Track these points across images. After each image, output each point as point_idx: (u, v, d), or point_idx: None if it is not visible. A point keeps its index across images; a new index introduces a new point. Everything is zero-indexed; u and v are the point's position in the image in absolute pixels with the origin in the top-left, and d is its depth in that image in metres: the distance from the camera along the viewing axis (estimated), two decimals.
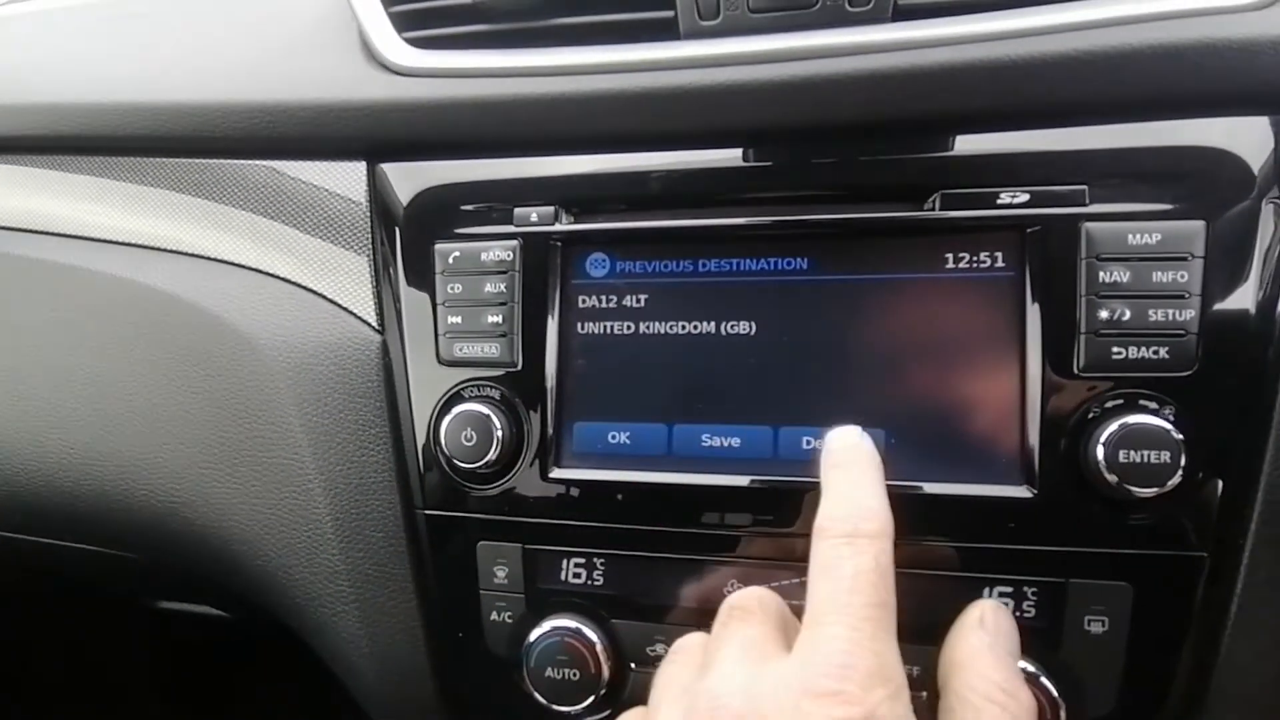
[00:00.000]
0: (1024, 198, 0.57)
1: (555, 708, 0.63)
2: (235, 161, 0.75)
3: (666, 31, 0.62)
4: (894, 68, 0.58)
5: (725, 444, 0.61)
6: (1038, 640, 0.56)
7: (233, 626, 1.26)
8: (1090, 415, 0.55)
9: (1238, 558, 0.55)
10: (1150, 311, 0.54)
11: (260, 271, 0.73)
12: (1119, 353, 0.55)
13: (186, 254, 0.76)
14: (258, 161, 0.74)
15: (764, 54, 0.60)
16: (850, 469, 0.51)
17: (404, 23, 0.69)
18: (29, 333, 0.79)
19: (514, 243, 0.65)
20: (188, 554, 0.77)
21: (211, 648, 1.46)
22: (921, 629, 0.58)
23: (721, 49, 0.60)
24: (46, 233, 0.80)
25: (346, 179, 0.72)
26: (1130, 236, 0.55)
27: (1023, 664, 0.55)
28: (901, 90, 0.58)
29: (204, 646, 1.45)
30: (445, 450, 0.65)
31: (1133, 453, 0.53)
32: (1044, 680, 0.55)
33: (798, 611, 0.59)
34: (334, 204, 0.72)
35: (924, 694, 0.58)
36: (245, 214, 0.75)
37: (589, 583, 0.64)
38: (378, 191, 0.70)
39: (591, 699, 0.62)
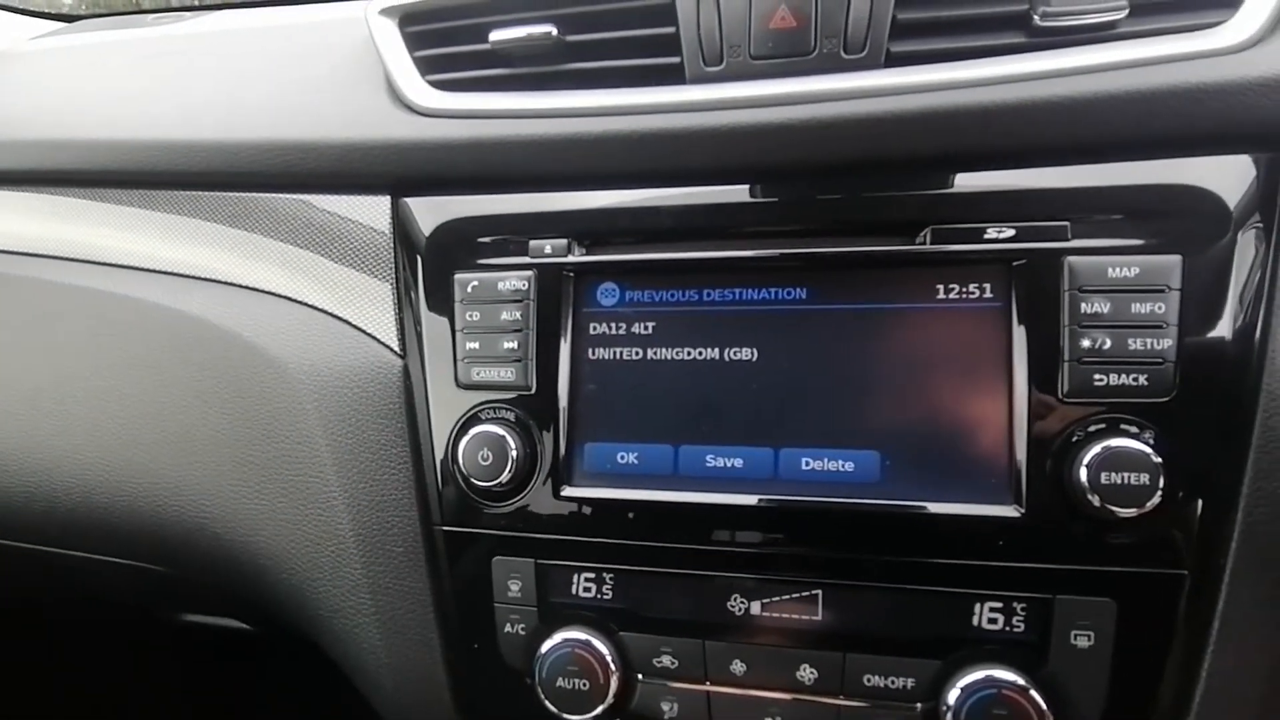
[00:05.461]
0: (1010, 233, 0.60)
1: (566, 716, 0.66)
2: (268, 195, 0.79)
3: (673, 76, 0.66)
4: (887, 111, 0.61)
5: (729, 464, 0.64)
6: (1026, 654, 0.59)
7: (251, 639, 1.29)
8: (1074, 438, 0.58)
9: (1219, 576, 0.57)
10: (1130, 340, 0.57)
11: (290, 299, 0.77)
12: (1100, 379, 0.58)
13: (221, 282, 0.80)
14: (289, 195, 0.78)
15: (765, 98, 0.63)
16: None
17: (428, 66, 0.73)
18: (71, 354, 0.83)
19: (529, 273, 0.69)
20: (217, 568, 0.80)
21: (230, 660, 1.48)
22: (915, 643, 0.61)
23: (725, 93, 0.64)
24: (89, 260, 0.85)
25: (372, 211, 0.76)
26: (1110, 269, 0.58)
27: (1011, 676, 0.58)
28: (894, 132, 0.61)
29: (223, 659, 1.48)
30: (462, 469, 0.68)
31: (1114, 474, 0.55)
32: (1032, 692, 0.57)
33: (803, 627, 0.63)
34: (360, 235, 0.76)
35: (918, 705, 0.61)
36: (277, 243, 0.79)
37: (598, 596, 0.67)
38: (401, 224, 0.74)
39: (600, 708, 0.65)
